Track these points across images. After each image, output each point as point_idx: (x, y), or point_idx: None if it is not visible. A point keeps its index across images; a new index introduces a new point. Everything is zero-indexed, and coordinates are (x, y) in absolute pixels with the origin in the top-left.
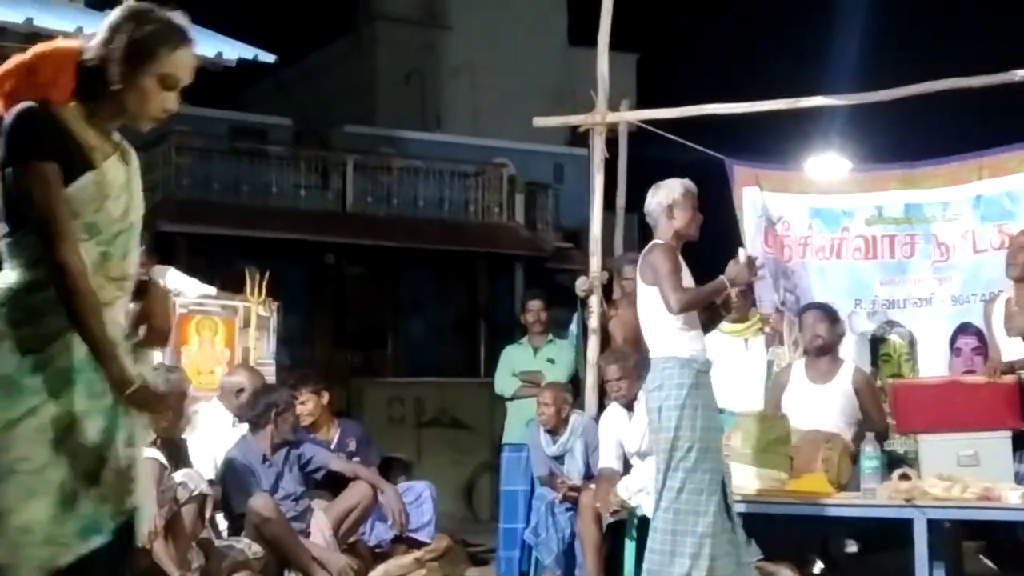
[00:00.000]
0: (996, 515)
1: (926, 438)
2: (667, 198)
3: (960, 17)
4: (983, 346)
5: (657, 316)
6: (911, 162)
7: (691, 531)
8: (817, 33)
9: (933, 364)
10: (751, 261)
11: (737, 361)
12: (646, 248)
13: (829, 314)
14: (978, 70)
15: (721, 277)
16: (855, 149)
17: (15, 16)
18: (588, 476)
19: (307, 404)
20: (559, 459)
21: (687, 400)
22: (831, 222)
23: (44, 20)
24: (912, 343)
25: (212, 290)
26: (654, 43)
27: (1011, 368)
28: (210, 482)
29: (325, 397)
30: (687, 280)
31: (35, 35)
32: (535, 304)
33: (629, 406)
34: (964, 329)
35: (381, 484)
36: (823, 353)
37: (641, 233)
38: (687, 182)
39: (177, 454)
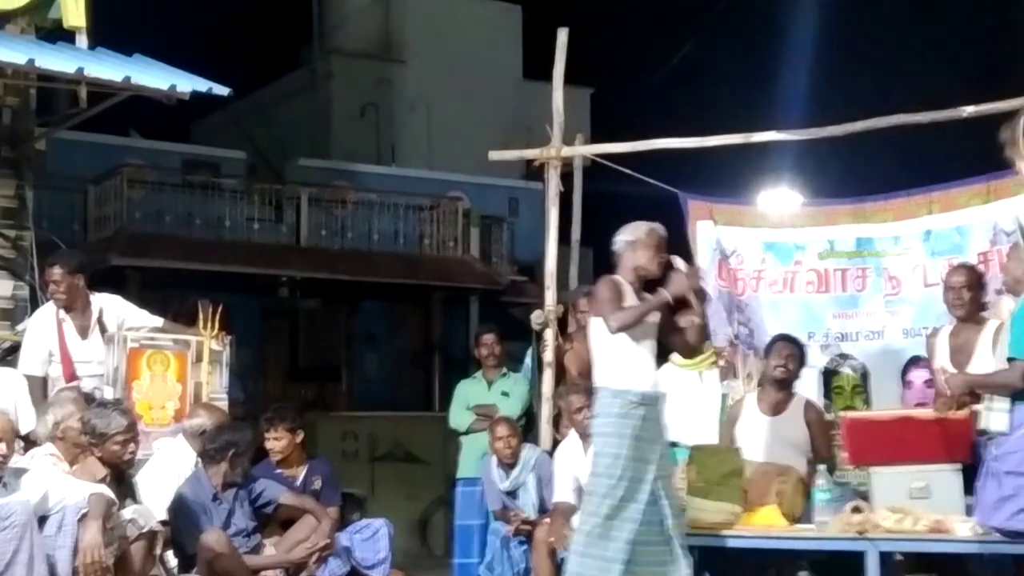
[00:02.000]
0: (947, 547)
1: (878, 471)
2: (633, 235)
3: (908, 54)
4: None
5: (600, 347)
6: (861, 197)
7: (600, 555)
8: (769, 69)
9: (885, 397)
10: (691, 269)
11: (691, 394)
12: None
13: (800, 351)
14: (926, 106)
15: (660, 289)
16: (806, 183)
17: None
18: (542, 510)
19: (280, 441)
20: (512, 494)
21: (613, 429)
22: (784, 256)
23: None
24: (864, 376)
25: (160, 321)
26: (608, 78)
27: (961, 402)
28: (163, 523)
29: (300, 436)
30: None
31: None
32: (488, 338)
33: (586, 438)
34: (916, 362)
35: (320, 515)
36: (782, 387)
37: (596, 266)
38: (655, 224)
39: (126, 490)
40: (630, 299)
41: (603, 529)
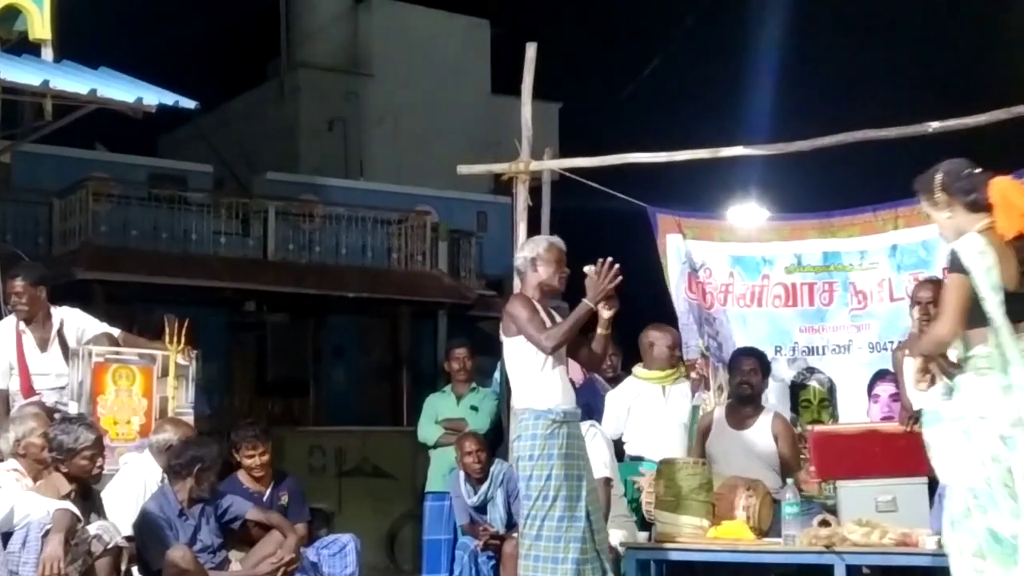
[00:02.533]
0: (914, 560)
1: (845, 484)
2: (532, 251)
3: (875, 70)
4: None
5: (517, 368)
6: (828, 211)
7: None
8: (737, 84)
9: (852, 410)
10: (603, 268)
11: (655, 408)
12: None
13: (764, 365)
14: (892, 122)
15: (583, 300)
16: (774, 198)
17: None
18: (510, 525)
19: (265, 456)
20: (480, 509)
21: (541, 451)
22: (751, 270)
23: None
24: (831, 390)
25: (116, 331)
26: (577, 93)
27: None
28: (128, 538)
29: (270, 447)
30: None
31: None
32: (461, 352)
33: None
34: (882, 376)
35: (285, 528)
36: (748, 402)
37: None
38: (554, 238)
39: (92, 505)
40: (542, 316)
41: (547, 552)
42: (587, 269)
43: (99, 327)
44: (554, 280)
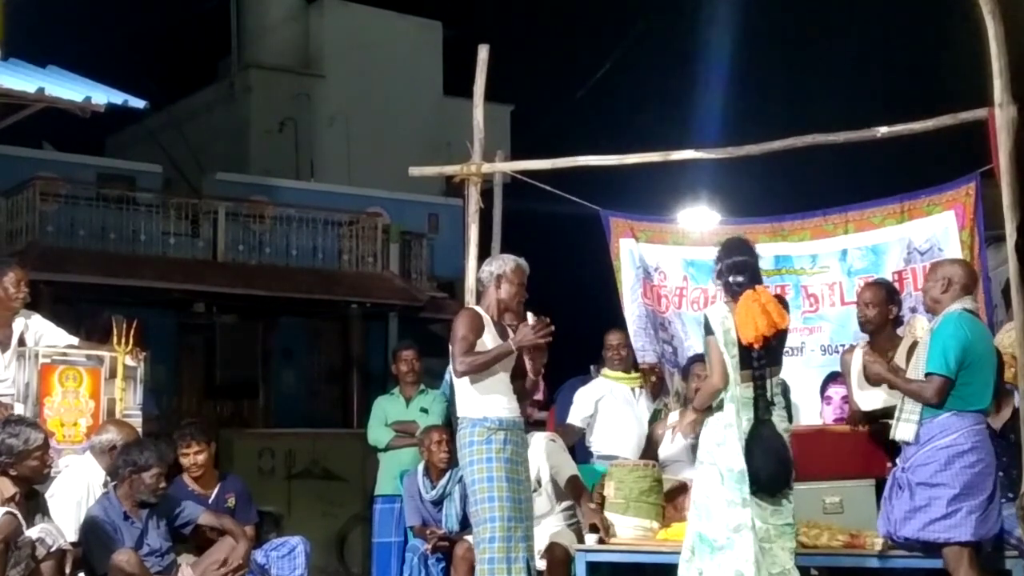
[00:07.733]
0: (861, 562)
1: (793, 486)
2: (499, 268)
3: (825, 75)
4: None
5: (460, 378)
6: (779, 215)
7: None
8: (688, 88)
9: (804, 412)
10: (538, 323)
11: (627, 408)
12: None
13: None
14: (842, 126)
15: (508, 340)
16: (725, 202)
17: None
18: (465, 524)
19: (200, 455)
20: (438, 504)
21: (479, 455)
22: (704, 273)
23: None
24: (785, 391)
25: (75, 340)
26: (529, 95)
27: (873, 417)
28: (75, 544)
29: (212, 448)
30: (490, 345)
31: None
32: (408, 354)
33: None
34: (834, 378)
35: (237, 534)
36: None
37: None
38: (522, 260)
39: (36, 506)
40: (489, 333)
41: (501, 553)
42: (529, 316)
43: (57, 333)
44: (513, 302)
